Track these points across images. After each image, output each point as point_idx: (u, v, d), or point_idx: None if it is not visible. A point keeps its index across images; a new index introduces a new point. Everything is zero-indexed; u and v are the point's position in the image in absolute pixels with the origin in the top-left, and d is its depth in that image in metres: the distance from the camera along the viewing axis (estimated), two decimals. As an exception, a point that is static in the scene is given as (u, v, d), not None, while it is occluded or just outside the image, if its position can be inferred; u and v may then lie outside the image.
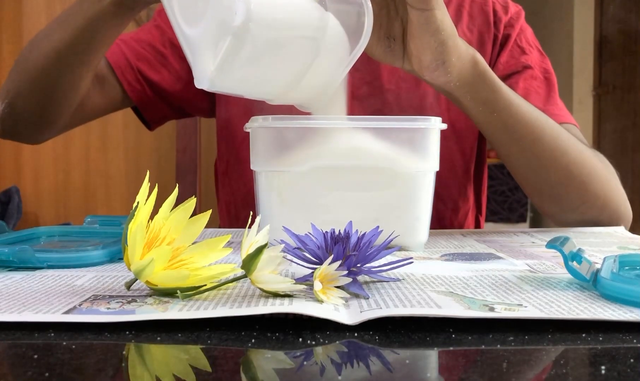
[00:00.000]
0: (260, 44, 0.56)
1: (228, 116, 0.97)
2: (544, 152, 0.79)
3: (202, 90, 0.96)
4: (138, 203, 0.43)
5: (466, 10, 0.95)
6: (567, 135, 0.81)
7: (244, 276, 0.43)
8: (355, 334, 0.37)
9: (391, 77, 0.92)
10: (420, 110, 0.92)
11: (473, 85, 0.71)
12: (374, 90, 0.92)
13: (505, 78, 0.92)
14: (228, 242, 0.47)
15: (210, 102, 1.00)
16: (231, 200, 0.99)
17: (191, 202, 0.46)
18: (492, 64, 0.94)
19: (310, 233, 0.48)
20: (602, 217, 0.84)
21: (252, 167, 0.65)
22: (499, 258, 0.58)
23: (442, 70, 0.67)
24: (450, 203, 0.95)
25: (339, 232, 0.47)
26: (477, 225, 1.03)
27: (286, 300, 0.40)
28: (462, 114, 0.92)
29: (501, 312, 0.38)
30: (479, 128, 0.80)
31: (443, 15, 0.64)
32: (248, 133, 0.65)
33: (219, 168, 1.03)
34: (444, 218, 0.95)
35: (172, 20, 0.60)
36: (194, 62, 0.59)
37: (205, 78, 0.57)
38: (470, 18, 0.95)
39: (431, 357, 0.35)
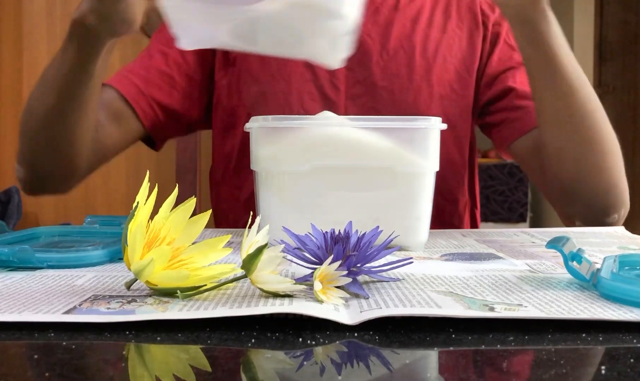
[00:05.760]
0: None
1: (228, 117, 0.97)
2: (578, 105, 0.81)
3: (206, 105, 0.97)
4: (138, 203, 0.44)
5: (454, 9, 0.97)
6: (598, 101, 0.83)
7: (244, 276, 0.43)
8: (355, 334, 0.37)
9: (384, 74, 0.93)
10: (414, 105, 0.92)
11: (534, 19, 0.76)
12: (367, 88, 0.93)
13: (500, 73, 0.95)
14: (228, 242, 0.47)
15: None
16: (230, 207, 0.99)
17: (191, 202, 0.46)
18: (484, 62, 0.96)
19: (310, 233, 0.48)
20: (609, 196, 0.84)
21: (252, 167, 0.65)
22: (499, 258, 0.58)
23: None
24: (449, 196, 0.96)
25: (339, 232, 0.47)
26: (474, 218, 1.02)
27: (286, 300, 0.40)
28: (456, 107, 0.93)
29: (501, 312, 0.38)
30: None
31: None
32: (247, 138, 0.65)
33: (213, 177, 1.03)
34: (444, 212, 0.95)
35: None
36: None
37: None
38: (458, 17, 0.97)
39: (431, 357, 0.35)
